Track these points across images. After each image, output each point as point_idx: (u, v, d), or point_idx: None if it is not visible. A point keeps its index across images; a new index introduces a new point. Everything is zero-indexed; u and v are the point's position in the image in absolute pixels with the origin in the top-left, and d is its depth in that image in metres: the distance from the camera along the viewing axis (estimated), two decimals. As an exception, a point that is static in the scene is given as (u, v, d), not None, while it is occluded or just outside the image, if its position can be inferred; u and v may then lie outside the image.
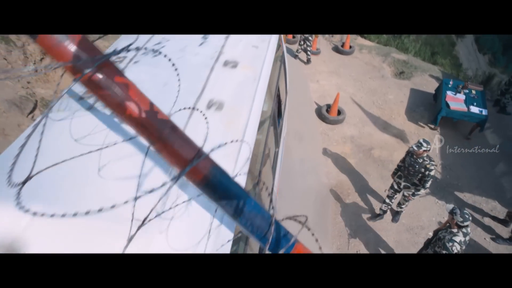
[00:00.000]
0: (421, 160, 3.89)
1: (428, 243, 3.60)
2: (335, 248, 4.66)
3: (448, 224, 3.46)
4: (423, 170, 3.91)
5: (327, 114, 6.64)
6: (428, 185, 4.00)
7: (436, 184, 5.52)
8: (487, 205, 5.18)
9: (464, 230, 3.22)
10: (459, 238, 3.19)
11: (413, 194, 4.24)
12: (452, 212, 3.23)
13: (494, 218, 4.95)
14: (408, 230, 4.89)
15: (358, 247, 4.67)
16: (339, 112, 6.71)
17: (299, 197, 5.35)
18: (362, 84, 7.82)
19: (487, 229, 4.86)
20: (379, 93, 7.57)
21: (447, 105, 6.23)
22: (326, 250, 4.66)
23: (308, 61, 8.19)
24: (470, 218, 3.16)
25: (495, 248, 4.65)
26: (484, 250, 4.61)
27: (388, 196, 4.62)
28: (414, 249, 4.62)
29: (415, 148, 3.81)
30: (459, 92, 6.47)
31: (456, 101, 6.31)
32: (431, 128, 6.64)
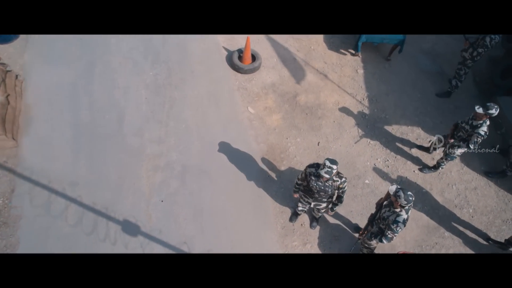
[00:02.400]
0: (330, 182, 3.25)
1: (372, 219, 3.40)
2: (279, 228, 4.34)
3: (388, 200, 3.22)
4: (335, 191, 3.38)
5: (240, 63, 5.58)
6: (343, 199, 3.55)
7: (365, 122, 5.28)
8: (413, 134, 5.20)
9: (406, 207, 3.01)
10: (403, 217, 3.00)
11: (331, 209, 3.73)
12: (396, 195, 2.93)
13: (419, 147, 5.02)
14: (346, 182, 4.74)
15: (302, 220, 4.41)
16: (253, 58, 5.70)
17: (232, 177, 4.70)
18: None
19: (415, 161, 4.95)
20: (293, 19, 6.56)
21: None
22: (270, 232, 4.33)
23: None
24: (413, 199, 2.92)
25: (422, 178, 4.80)
26: (413, 184, 4.74)
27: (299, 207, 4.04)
28: (355, 204, 4.54)
29: (325, 175, 3.04)
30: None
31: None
32: (352, 55, 6.12)
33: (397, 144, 5.10)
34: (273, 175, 4.73)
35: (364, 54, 6.11)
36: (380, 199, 3.40)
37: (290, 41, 6.23)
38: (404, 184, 4.73)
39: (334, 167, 3.04)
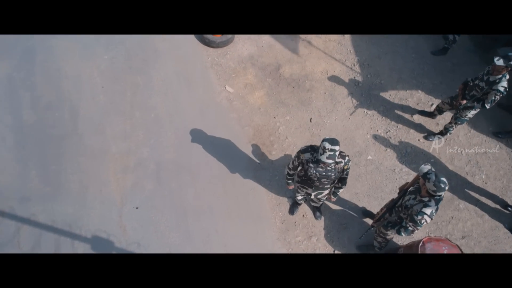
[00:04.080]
0: (333, 166, 2.61)
1: (392, 205, 2.84)
2: (279, 222, 3.75)
3: (416, 186, 2.66)
4: (340, 174, 2.75)
5: (211, 35, 4.77)
6: (346, 181, 2.94)
7: (359, 90, 4.69)
8: (412, 99, 4.67)
9: (436, 197, 2.45)
10: (430, 209, 2.44)
11: (334, 194, 3.14)
12: (425, 177, 2.36)
13: (422, 113, 4.51)
14: (347, 160, 4.18)
15: (303, 210, 3.84)
16: (225, 28, 4.88)
17: (216, 170, 4.03)
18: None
19: (419, 128, 4.44)
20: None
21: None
22: (268, 229, 3.74)
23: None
24: (446, 187, 2.34)
25: (428, 146, 4.32)
26: (419, 153, 4.25)
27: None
28: (359, 184, 4.00)
29: (327, 161, 2.43)
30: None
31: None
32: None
33: (397, 111, 4.56)
34: (264, 162, 4.09)
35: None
36: (405, 183, 2.84)
37: (265, 6, 5.43)
38: (410, 155, 4.23)
39: (337, 148, 2.39)
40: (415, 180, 2.67)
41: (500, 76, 3.28)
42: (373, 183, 4.02)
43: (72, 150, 4.03)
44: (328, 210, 3.85)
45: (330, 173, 2.62)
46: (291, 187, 3.19)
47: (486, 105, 3.46)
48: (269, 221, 3.75)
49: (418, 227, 2.53)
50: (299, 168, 2.88)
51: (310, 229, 3.72)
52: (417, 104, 4.63)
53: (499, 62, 3.11)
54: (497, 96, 3.33)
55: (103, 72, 4.57)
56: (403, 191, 2.76)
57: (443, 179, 2.32)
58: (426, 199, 2.46)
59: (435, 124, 4.47)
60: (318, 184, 2.80)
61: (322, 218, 3.77)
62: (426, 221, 2.45)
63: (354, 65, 4.92)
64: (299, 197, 3.44)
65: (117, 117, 4.29)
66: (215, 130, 4.26)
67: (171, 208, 3.79)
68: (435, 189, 2.32)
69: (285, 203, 3.85)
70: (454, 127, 4.01)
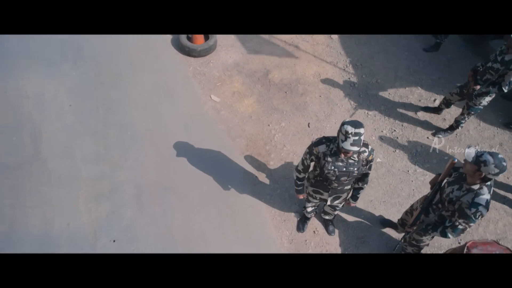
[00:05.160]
0: (355, 157, 2.14)
1: (428, 204, 2.34)
2: (286, 243, 3.16)
3: (455, 174, 2.19)
4: (363, 168, 2.27)
5: (191, 43, 4.38)
6: (368, 179, 2.45)
7: (356, 91, 4.33)
8: (413, 96, 4.34)
9: (489, 182, 1.99)
10: (485, 197, 1.97)
11: (354, 198, 2.63)
12: (477, 162, 1.89)
13: (426, 109, 4.18)
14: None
15: (313, 225, 3.27)
16: (206, 36, 4.52)
17: (206, 189, 3.45)
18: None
19: (425, 125, 4.08)
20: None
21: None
22: (274, 249, 3.13)
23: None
24: (507, 164, 1.89)
25: (438, 144, 3.93)
26: (431, 152, 3.84)
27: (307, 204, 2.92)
28: (372, 191, 3.51)
29: (352, 148, 1.92)
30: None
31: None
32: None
33: (399, 110, 4.20)
34: (262, 175, 3.56)
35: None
36: (436, 176, 2.35)
37: (247, 15, 5.15)
38: (421, 155, 3.82)
39: (362, 131, 1.90)
40: (449, 169, 2.20)
41: None
42: (388, 187, 3.54)
43: (33, 179, 3.38)
44: (341, 223, 3.30)
45: (352, 168, 2.12)
46: (302, 196, 2.66)
47: (503, 88, 3.13)
48: (274, 242, 3.16)
49: (471, 224, 2.02)
50: (311, 168, 2.37)
51: (324, 247, 3.14)
52: (419, 100, 4.30)
53: None
54: None
55: (71, 90, 4.04)
56: (437, 184, 2.28)
57: (501, 156, 1.87)
58: (476, 186, 1.98)
59: (442, 119, 4.12)
60: (336, 185, 2.29)
61: (336, 232, 3.21)
62: (482, 214, 1.96)
63: (346, 66, 4.60)
64: (310, 209, 2.89)
65: (87, 137, 3.71)
66: (202, 143, 3.74)
67: (156, 237, 3.14)
68: (497, 171, 1.85)
69: (292, 219, 3.28)
70: (466, 118, 3.65)
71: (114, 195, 3.37)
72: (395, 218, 3.29)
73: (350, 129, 1.88)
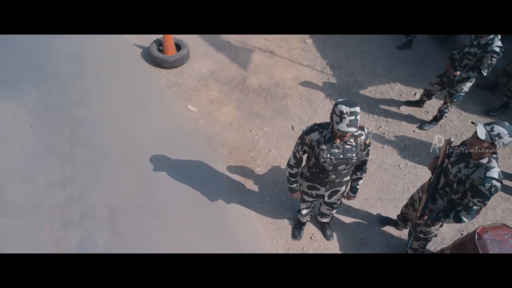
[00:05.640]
0: (352, 141, 1.96)
1: (433, 190, 2.16)
2: (282, 252, 2.88)
3: (457, 151, 2.05)
4: (361, 154, 2.07)
5: (163, 54, 4.18)
6: (366, 167, 2.29)
7: (337, 91, 4.25)
8: (394, 91, 4.31)
9: (495, 155, 1.87)
10: (496, 170, 1.83)
11: (353, 190, 2.44)
12: (492, 136, 1.74)
13: (408, 103, 4.13)
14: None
15: (309, 231, 3.02)
16: (178, 47, 4.34)
17: (189, 205, 3.15)
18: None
19: (409, 119, 4.01)
20: None
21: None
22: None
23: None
24: None
25: (425, 135, 3.86)
26: (419, 145, 3.75)
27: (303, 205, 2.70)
28: (366, 189, 3.33)
29: (349, 129, 1.75)
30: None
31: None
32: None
33: (382, 106, 4.14)
34: (249, 182, 3.30)
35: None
36: (434, 159, 2.19)
37: (218, 25, 5.05)
38: (410, 148, 3.71)
39: (357, 109, 1.73)
40: (445, 150, 2.06)
41: (492, 36, 2.98)
42: (381, 184, 3.37)
43: (-12, 211, 2.95)
44: (339, 225, 3.07)
45: (350, 154, 1.93)
46: (296, 194, 2.42)
47: (483, 72, 3.11)
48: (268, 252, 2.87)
49: (486, 201, 1.86)
50: (304, 163, 2.16)
51: (323, 252, 2.88)
52: (400, 95, 4.26)
53: None
54: (493, 59, 3.00)
55: (31, 110, 3.68)
56: (438, 167, 2.12)
57: (506, 123, 1.74)
58: (484, 160, 1.84)
59: (425, 112, 4.08)
60: (334, 177, 2.08)
61: (335, 236, 2.97)
62: (496, 188, 1.80)
63: (324, 68, 4.54)
64: (304, 211, 2.66)
65: (52, 160, 3.34)
66: (182, 156, 3.46)
67: (135, 263, 2.77)
68: (511, 139, 1.73)
69: (286, 226, 3.02)
70: (450, 107, 3.61)
71: (84, 220, 3.00)
72: (393, 215, 3.11)
73: (345, 108, 1.71)
